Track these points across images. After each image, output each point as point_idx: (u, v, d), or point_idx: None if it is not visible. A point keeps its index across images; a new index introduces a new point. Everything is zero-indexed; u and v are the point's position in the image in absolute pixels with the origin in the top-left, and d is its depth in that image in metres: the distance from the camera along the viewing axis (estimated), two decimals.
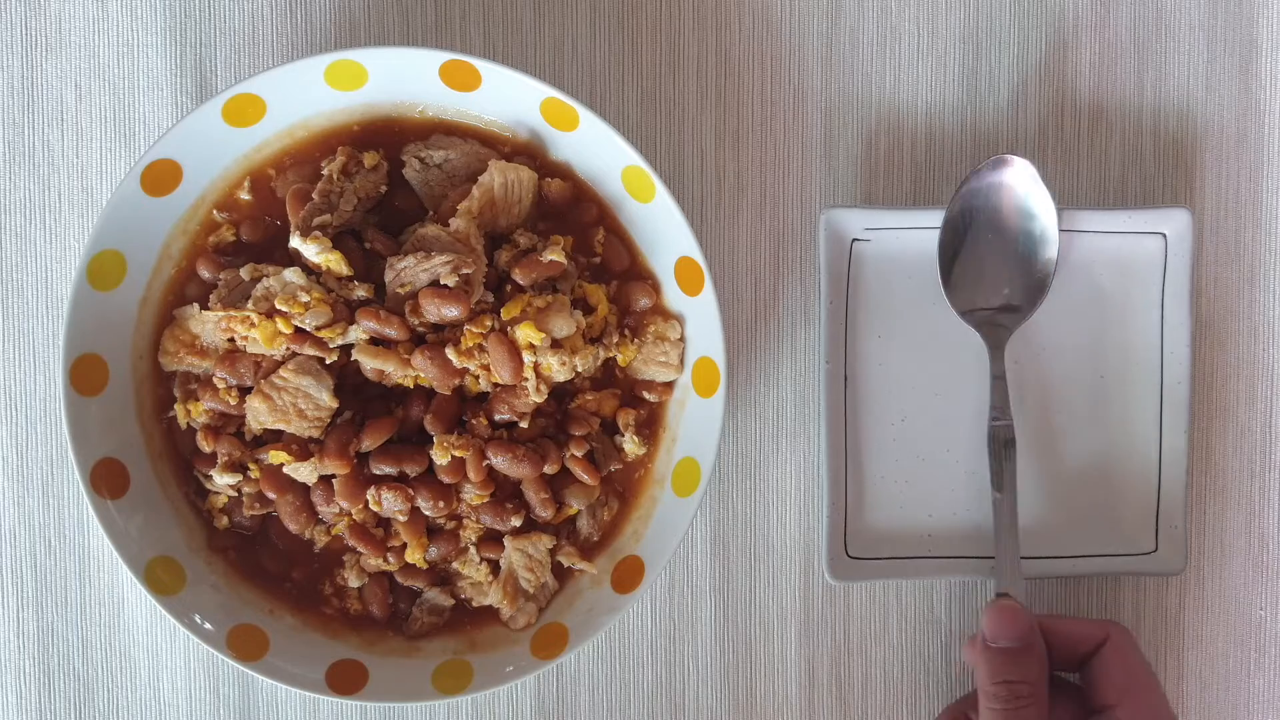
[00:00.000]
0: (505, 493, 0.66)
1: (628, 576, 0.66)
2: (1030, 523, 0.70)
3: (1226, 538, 0.73)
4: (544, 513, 0.66)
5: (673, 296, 0.67)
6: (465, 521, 0.66)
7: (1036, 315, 0.70)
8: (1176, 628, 0.73)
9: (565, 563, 0.67)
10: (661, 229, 0.66)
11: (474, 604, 0.68)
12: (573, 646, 0.65)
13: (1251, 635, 0.73)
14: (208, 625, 0.65)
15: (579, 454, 0.66)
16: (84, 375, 0.64)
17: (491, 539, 0.67)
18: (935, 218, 0.68)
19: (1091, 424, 0.71)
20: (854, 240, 0.69)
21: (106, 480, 0.65)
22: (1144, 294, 0.70)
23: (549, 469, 0.65)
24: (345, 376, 0.65)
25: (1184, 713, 0.73)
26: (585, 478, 0.66)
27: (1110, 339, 0.71)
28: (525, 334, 0.63)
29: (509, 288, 0.65)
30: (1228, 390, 0.73)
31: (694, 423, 0.66)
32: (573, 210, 0.67)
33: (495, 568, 0.67)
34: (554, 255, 0.64)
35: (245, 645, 0.65)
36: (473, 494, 0.65)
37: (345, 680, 0.65)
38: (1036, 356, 0.71)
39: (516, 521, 0.66)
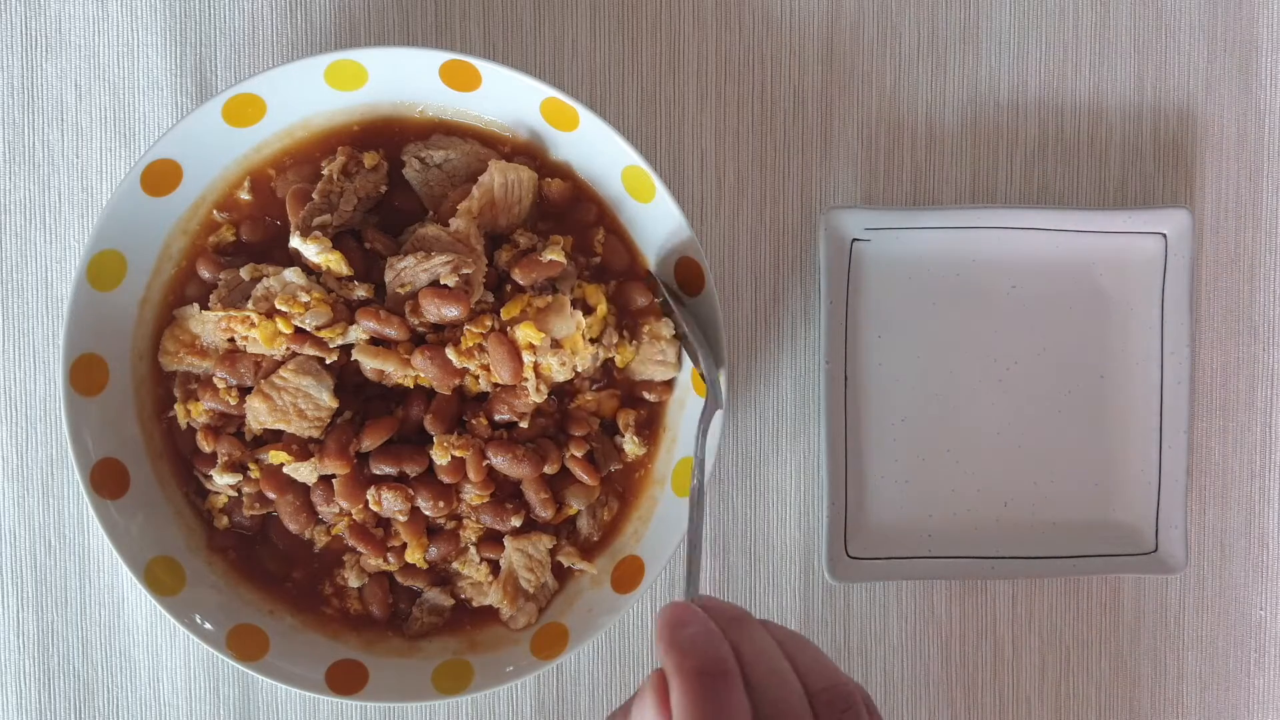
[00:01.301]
0: (505, 492, 0.66)
1: (628, 576, 0.66)
2: (1030, 523, 0.70)
3: (1226, 538, 0.73)
4: (544, 513, 0.66)
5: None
6: (465, 521, 0.66)
7: (1037, 315, 0.70)
8: (1176, 628, 0.73)
9: (565, 563, 0.67)
10: (661, 229, 0.66)
11: (474, 604, 0.68)
12: (573, 646, 0.65)
13: (1251, 635, 0.73)
14: (208, 625, 0.65)
15: (579, 454, 0.66)
16: (84, 375, 0.64)
17: (491, 539, 0.67)
18: (935, 218, 0.68)
19: (1091, 424, 0.71)
20: (854, 240, 0.69)
21: (106, 480, 0.65)
22: (1144, 294, 0.70)
23: (549, 469, 0.65)
24: (345, 376, 0.65)
25: (1184, 712, 0.73)
26: (585, 478, 0.66)
27: (1110, 339, 0.71)
28: (525, 334, 0.63)
29: (509, 288, 0.65)
30: (1228, 390, 0.73)
31: (694, 423, 0.66)
32: (573, 210, 0.67)
33: (495, 568, 0.67)
34: (554, 255, 0.64)
35: (245, 645, 0.65)
36: (473, 494, 0.65)
37: (345, 680, 0.65)
38: (1037, 356, 0.71)
39: (516, 522, 0.66)
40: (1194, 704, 0.73)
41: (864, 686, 0.72)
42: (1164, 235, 0.69)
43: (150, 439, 0.67)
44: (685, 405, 0.67)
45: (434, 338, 0.64)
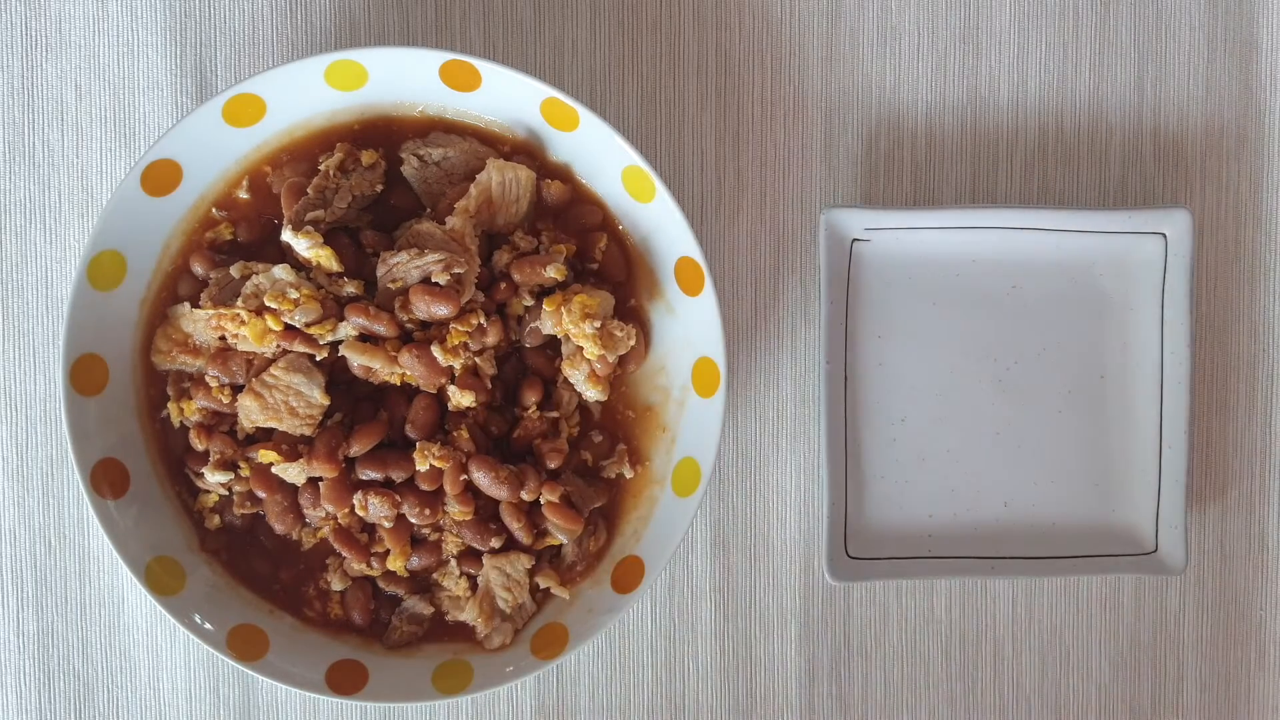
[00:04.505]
0: (488, 512, 0.66)
1: (628, 576, 0.66)
2: (1030, 523, 0.70)
3: (1226, 538, 0.73)
4: (522, 539, 0.66)
5: (673, 296, 0.67)
6: (446, 535, 0.66)
7: (1037, 315, 0.70)
8: (1176, 628, 0.73)
9: (542, 584, 0.67)
10: (661, 229, 0.66)
11: (450, 618, 0.67)
12: (573, 646, 0.65)
13: (1251, 635, 0.73)
14: (208, 625, 0.65)
15: (553, 498, 0.65)
16: (84, 375, 0.64)
17: (472, 554, 0.66)
18: (935, 218, 0.68)
19: (1092, 424, 0.71)
20: (854, 240, 0.69)
21: (106, 480, 0.65)
22: (1144, 294, 0.70)
23: (526, 495, 0.64)
24: (336, 374, 0.65)
25: (1184, 713, 0.73)
26: (562, 523, 0.65)
27: (1110, 339, 0.71)
28: (582, 305, 0.63)
29: (503, 285, 0.65)
30: (1228, 390, 0.73)
31: (694, 423, 0.66)
32: (571, 212, 0.67)
33: (474, 583, 0.67)
34: (554, 273, 0.64)
35: (245, 645, 0.65)
36: (455, 509, 0.64)
37: (345, 680, 0.65)
38: (1037, 357, 0.71)
39: (496, 543, 0.65)
40: (1194, 704, 0.73)
41: (864, 686, 0.72)
42: (1164, 235, 0.69)
43: (150, 439, 0.67)
44: (685, 405, 0.67)
45: (422, 335, 0.64)
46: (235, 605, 0.66)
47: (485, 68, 0.63)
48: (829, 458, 0.68)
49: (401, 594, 0.67)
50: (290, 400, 0.63)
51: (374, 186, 0.66)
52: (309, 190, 0.64)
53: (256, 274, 0.64)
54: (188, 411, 0.65)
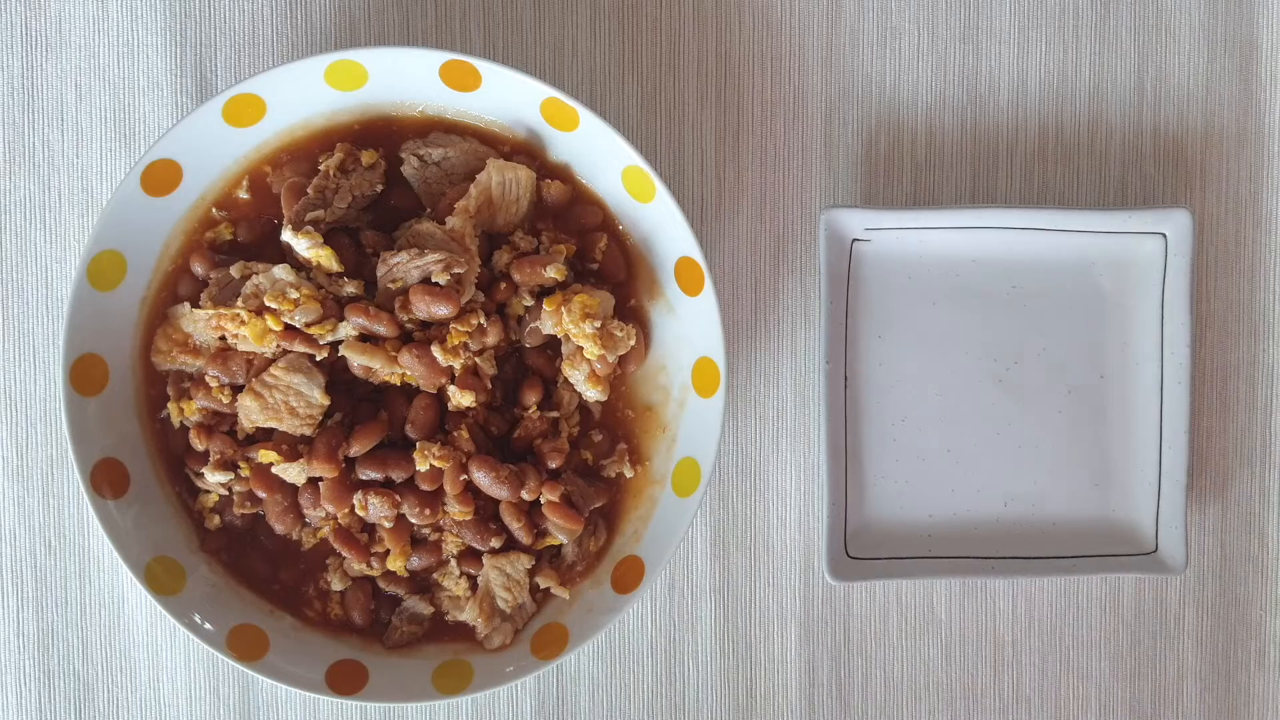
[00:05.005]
0: (488, 512, 0.66)
1: (628, 576, 0.66)
2: (1030, 523, 0.70)
3: (1226, 538, 0.73)
4: (523, 539, 0.66)
5: (673, 296, 0.67)
6: (446, 535, 0.66)
7: (1037, 315, 0.70)
8: (1176, 628, 0.73)
9: (542, 584, 0.66)
10: (661, 229, 0.66)
11: (450, 618, 0.67)
12: (573, 646, 0.65)
13: (1251, 635, 0.73)
14: (208, 625, 0.65)
15: (554, 497, 0.65)
16: (84, 375, 0.64)
17: (473, 554, 0.66)
18: (935, 218, 0.68)
19: (1092, 424, 0.71)
20: (854, 240, 0.69)
21: (106, 480, 0.65)
22: (1144, 294, 0.70)
23: (526, 495, 0.65)
24: (336, 374, 0.65)
25: (1184, 713, 0.73)
26: (563, 522, 0.65)
27: (1110, 339, 0.71)
28: (583, 305, 0.64)
29: (504, 285, 0.65)
30: (1228, 390, 0.73)
31: (694, 423, 0.66)
32: (570, 211, 0.67)
33: (474, 583, 0.67)
34: (554, 272, 0.64)
35: (245, 645, 0.65)
36: (455, 509, 0.64)
37: (345, 680, 0.65)
38: (1037, 356, 0.71)
39: (496, 543, 0.65)
40: (1194, 704, 0.73)
41: (864, 686, 0.72)
42: (1164, 235, 0.69)
43: (150, 439, 0.67)
44: (685, 405, 0.67)
45: (422, 335, 0.64)
46: (235, 605, 0.66)
47: (485, 68, 0.63)
48: (829, 458, 0.68)
49: (401, 594, 0.67)
50: (290, 400, 0.63)
51: (374, 186, 0.66)
52: (309, 190, 0.64)
53: (256, 274, 0.64)
54: (188, 411, 0.65)
